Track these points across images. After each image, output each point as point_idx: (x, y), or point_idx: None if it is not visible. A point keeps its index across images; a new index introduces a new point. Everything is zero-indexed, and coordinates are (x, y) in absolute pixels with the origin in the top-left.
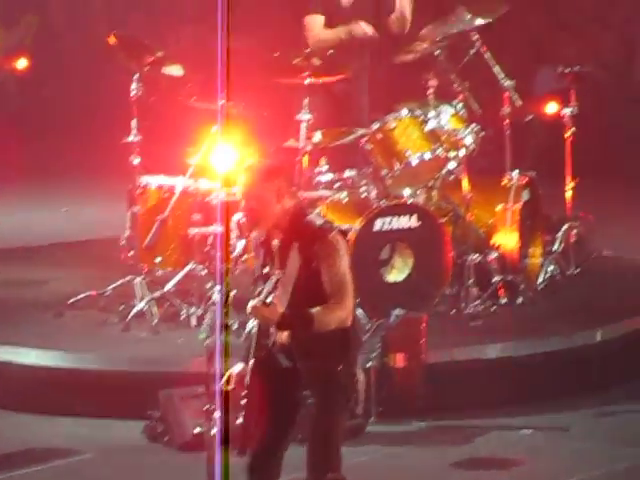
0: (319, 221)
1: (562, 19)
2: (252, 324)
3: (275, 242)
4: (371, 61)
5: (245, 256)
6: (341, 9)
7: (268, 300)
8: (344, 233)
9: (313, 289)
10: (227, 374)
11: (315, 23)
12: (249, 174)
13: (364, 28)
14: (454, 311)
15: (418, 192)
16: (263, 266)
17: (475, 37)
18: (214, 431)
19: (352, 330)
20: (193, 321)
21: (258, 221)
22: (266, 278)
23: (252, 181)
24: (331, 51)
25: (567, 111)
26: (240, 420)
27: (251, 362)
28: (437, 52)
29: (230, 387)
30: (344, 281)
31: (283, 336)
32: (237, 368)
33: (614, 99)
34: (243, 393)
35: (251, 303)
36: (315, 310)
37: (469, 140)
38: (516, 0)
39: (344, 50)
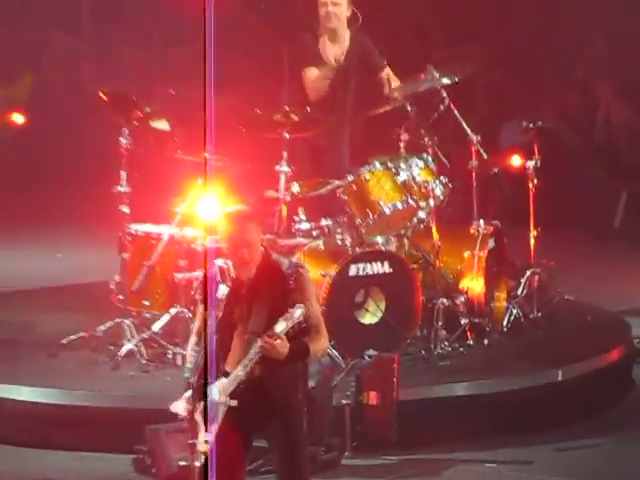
0: (286, 260)
1: (527, 78)
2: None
3: (246, 274)
4: (346, 117)
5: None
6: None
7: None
8: (322, 276)
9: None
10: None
11: (312, 74)
12: (232, 219)
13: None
14: (424, 352)
15: (390, 240)
16: (229, 305)
17: (444, 95)
18: (197, 464)
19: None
20: (179, 360)
21: (248, 263)
22: (230, 317)
23: (237, 226)
24: (308, 108)
25: (530, 164)
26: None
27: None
28: (409, 108)
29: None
30: (318, 310)
31: (257, 370)
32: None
33: (575, 153)
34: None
35: (262, 340)
36: (308, 342)
37: (438, 191)
38: (483, 59)
39: (320, 107)
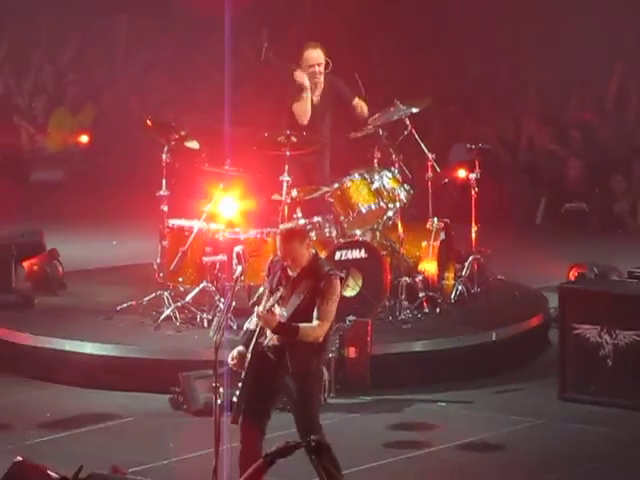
0: (327, 267)
1: (471, 109)
2: (250, 324)
3: (293, 272)
4: (326, 140)
5: (242, 277)
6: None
7: (274, 309)
8: (342, 279)
9: (308, 312)
10: (233, 352)
11: (297, 109)
12: (285, 236)
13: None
14: (391, 318)
15: (366, 233)
16: (278, 284)
17: (407, 122)
18: (218, 402)
19: (326, 340)
20: (205, 323)
21: (293, 267)
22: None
23: (290, 242)
24: (304, 132)
25: (472, 176)
26: (234, 398)
27: (249, 354)
28: (380, 132)
29: (232, 363)
30: (330, 313)
31: (274, 338)
32: (237, 350)
33: (507, 168)
34: (241, 374)
35: (259, 309)
36: (302, 324)
37: (403, 196)
38: (437, 95)
39: (313, 131)
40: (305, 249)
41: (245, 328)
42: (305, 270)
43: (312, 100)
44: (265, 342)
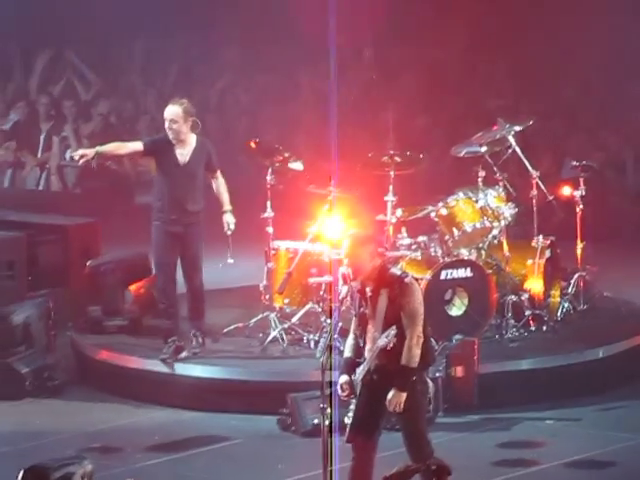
0: (398, 272)
1: (578, 124)
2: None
3: (368, 289)
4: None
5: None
6: None
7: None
8: (417, 279)
9: (397, 320)
10: (341, 383)
11: None
12: (351, 241)
13: None
14: (497, 336)
15: (471, 251)
16: (359, 307)
17: (512, 140)
18: (326, 423)
19: (427, 353)
20: (312, 345)
21: (357, 274)
22: (363, 316)
23: (353, 246)
24: (407, 152)
25: (577, 193)
26: (346, 419)
27: (358, 380)
28: (484, 150)
29: (343, 394)
30: (416, 314)
31: (377, 358)
32: (344, 380)
33: (612, 185)
34: (352, 399)
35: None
36: (404, 357)
37: (507, 214)
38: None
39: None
40: (368, 256)
41: (345, 357)
42: (378, 282)
43: None
44: (369, 365)
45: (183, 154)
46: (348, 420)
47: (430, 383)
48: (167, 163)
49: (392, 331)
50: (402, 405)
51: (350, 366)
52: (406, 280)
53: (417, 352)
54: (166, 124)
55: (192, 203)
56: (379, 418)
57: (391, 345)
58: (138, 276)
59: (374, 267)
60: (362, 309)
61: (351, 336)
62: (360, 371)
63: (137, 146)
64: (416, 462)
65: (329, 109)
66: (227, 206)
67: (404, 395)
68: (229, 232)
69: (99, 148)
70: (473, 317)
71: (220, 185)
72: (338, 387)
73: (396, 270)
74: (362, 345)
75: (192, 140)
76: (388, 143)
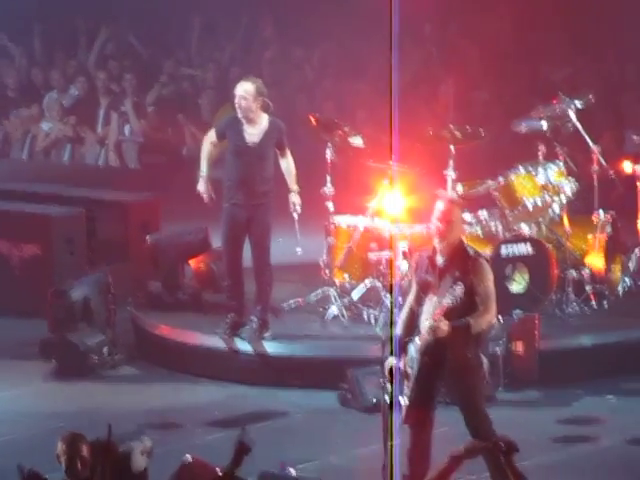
0: (472, 250)
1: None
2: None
3: (440, 258)
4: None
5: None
6: None
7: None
8: (487, 259)
9: (466, 297)
10: (388, 366)
11: None
12: (449, 204)
13: None
14: (558, 311)
15: (531, 226)
16: (425, 273)
17: (572, 115)
18: (385, 397)
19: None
20: (372, 320)
21: (443, 237)
22: (425, 284)
23: (451, 210)
24: (467, 127)
25: (638, 168)
26: (405, 401)
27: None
28: (545, 126)
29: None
30: (491, 293)
31: (430, 334)
32: (391, 362)
33: None
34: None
35: (431, 324)
36: (471, 318)
37: (568, 189)
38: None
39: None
40: (461, 224)
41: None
42: (452, 256)
43: None
44: (422, 342)
45: (253, 134)
46: (403, 401)
47: (485, 360)
48: (237, 143)
49: (458, 287)
50: (444, 331)
51: (400, 347)
52: (480, 260)
53: (482, 326)
54: (235, 100)
55: (261, 184)
56: (434, 395)
57: (457, 301)
58: (198, 251)
59: (457, 238)
60: (427, 277)
61: (405, 310)
62: (415, 346)
63: (212, 138)
64: (476, 437)
65: (389, 83)
66: (294, 186)
67: (447, 329)
68: (295, 214)
69: (202, 174)
70: (534, 292)
71: (289, 164)
72: (386, 370)
73: (471, 248)
74: (417, 315)
75: (263, 120)
76: (448, 118)
